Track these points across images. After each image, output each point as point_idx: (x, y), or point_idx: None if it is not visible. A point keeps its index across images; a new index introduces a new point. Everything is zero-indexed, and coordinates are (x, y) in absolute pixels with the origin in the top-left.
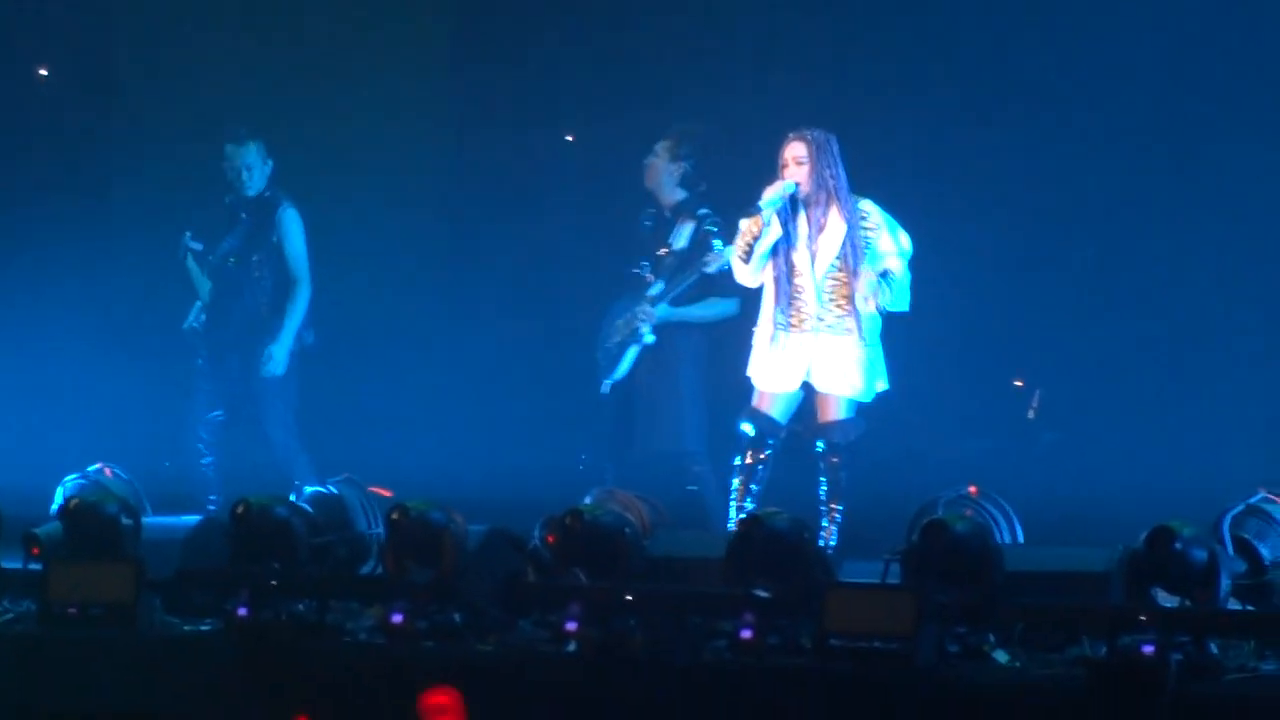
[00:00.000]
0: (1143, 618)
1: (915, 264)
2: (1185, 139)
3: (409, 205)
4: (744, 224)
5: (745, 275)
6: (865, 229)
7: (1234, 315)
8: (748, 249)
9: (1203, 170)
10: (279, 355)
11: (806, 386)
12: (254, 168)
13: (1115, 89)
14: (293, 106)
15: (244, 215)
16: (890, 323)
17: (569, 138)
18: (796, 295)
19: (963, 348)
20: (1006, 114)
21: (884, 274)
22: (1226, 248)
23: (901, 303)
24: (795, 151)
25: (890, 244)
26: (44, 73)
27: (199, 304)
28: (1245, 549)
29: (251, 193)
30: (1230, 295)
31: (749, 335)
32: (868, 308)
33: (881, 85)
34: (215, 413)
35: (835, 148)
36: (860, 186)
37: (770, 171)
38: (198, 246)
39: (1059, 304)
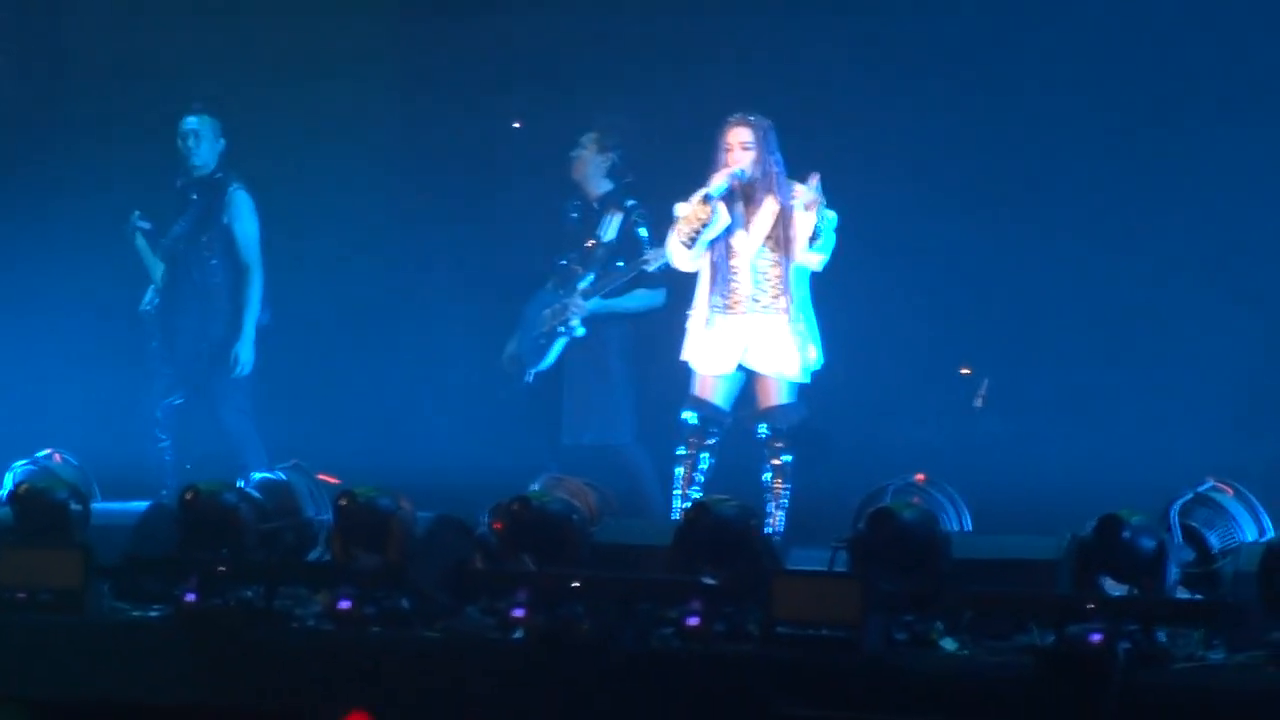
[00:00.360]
0: (1091, 606)
1: (861, 253)
2: (1135, 125)
3: (354, 192)
4: (687, 210)
5: (685, 261)
6: (796, 207)
7: (1183, 303)
8: (693, 236)
9: (1150, 156)
10: (245, 356)
11: (742, 369)
12: (203, 138)
13: (1062, 69)
14: (245, 90)
15: (195, 196)
16: (837, 310)
17: (516, 124)
18: (732, 277)
19: (910, 336)
20: (948, 96)
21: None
22: (1175, 234)
23: (827, 248)
24: (741, 136)
25: (806, 220)
26: None
27: (152, 287)
28: (1193, 538)
29: (202, 171)
30: (1180, 283)
31: (677, 322)
32: (806, 216)
33: (813, 70)
34: (171, 397)
35: (774, 134)
36: (796, 174)
37: (697, 159)
38: (146, 225)
39: (1006, 292)
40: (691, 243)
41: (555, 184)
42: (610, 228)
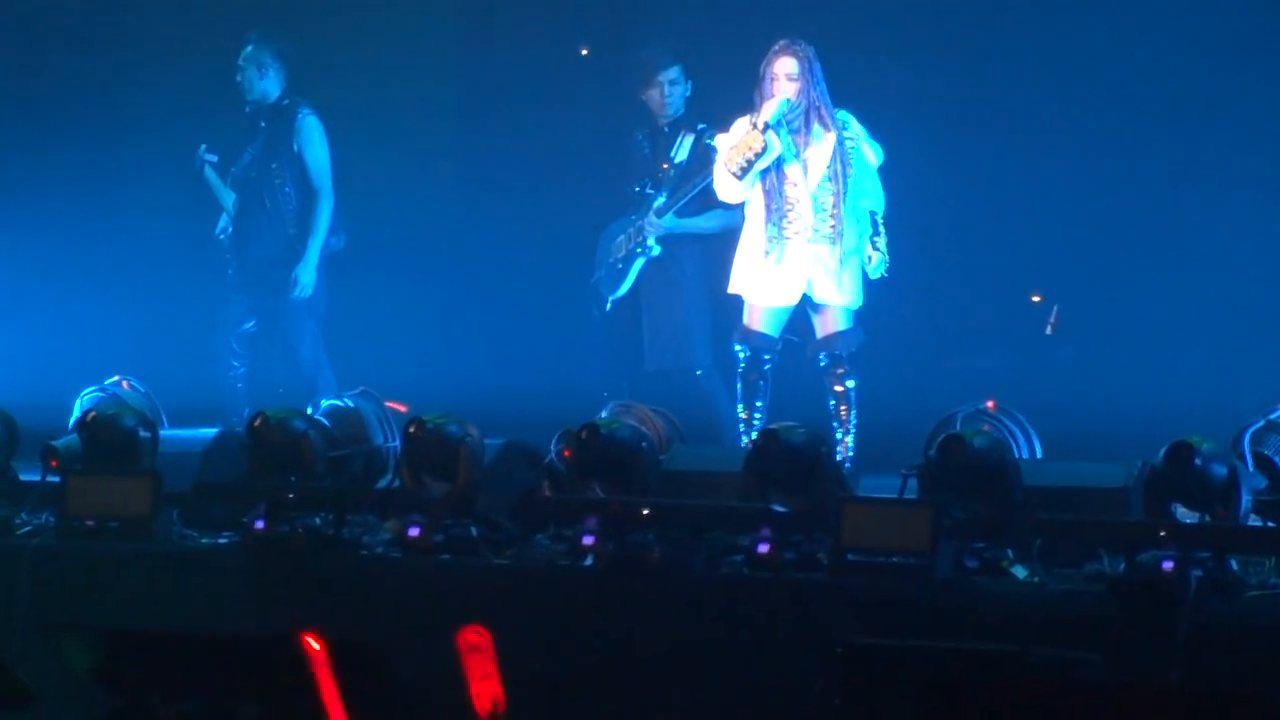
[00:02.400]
0: (1162, 534)
1: (927, 180)
2: (1201, 48)
3: (423, 118)
4: (736, 141)
5: (734, 193)
6: (847, 138)
7: (1254, 227)
8: (745, 166)
9: (1222, 80)
10: (305, 279)
11: (804, 299)
12: (266, 67)
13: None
14: (307, 17)
15: (263, 124)
16: (908, 238)
17: (584, 51)
18: (790, 208)
19: (978, 263)
20: (1006, 17)
21: (872, 229)
22: (1247, 155)
23: (880, 208)
24: (786, 67)
25: (871, 155)
26: None
27: (225, 215)
28: (1265, 465)
29: (268, 99)
30: (1250, 206)
31: None
32: (870, 265)
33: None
34: (246, 324)
35: (818, 62)
36: (840, 100)
37: (744, 86)
38: (213, 158)
39: (1076, 217)
40: (743, 173)
41: (624, 109)
42: (682, 149)
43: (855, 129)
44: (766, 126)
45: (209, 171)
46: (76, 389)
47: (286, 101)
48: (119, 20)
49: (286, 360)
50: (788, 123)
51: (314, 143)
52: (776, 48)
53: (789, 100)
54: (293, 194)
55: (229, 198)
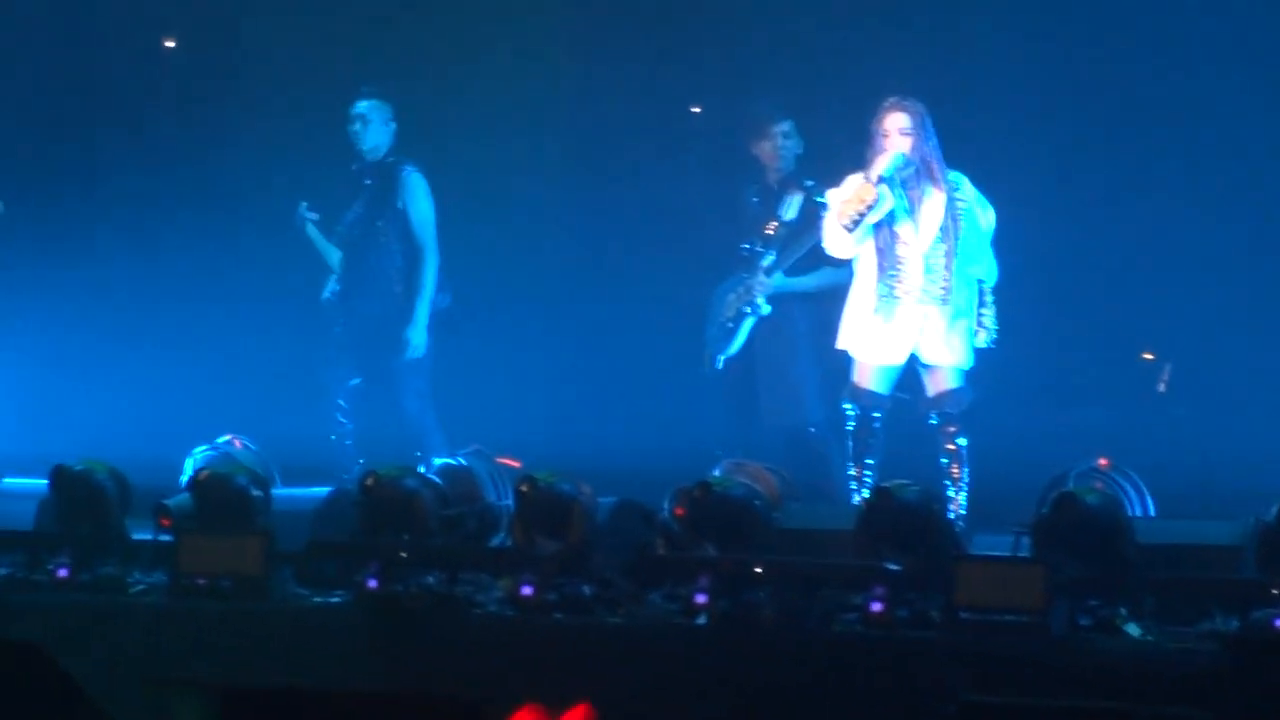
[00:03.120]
0: (1276, 591)
1: (1038, 237)
2: None
3: (532, 174)
4: (849, 194)
5: (845, 246)
6: (958, 199)
7: None
8: (857, 218)
9: None
10: (416, 340)
11: (913, 358)
12: (372, 122)
13: (1238, 49)
14: (417, 74)
15: (368, 180)
16: (1018, 293)
17: (695, 109)
18: (901, 267)
19: (1090, 319)
20: (1118, 76)
21: (979, 302)
22: None
23: (990, 277)
24: (899, 122)
25: (983, 218)
26: (170, 44)
27: (333, 275)
28: None
29: (374, 155)
30: None
31: None
32: (978, 339)
33: (971, 54)
34: (353, 382)
35: (930, 119)
36: (950, 159)
37: (860, 139)
38: (314, 216)
39: (1188, 273)
40: (854, 225)
41: (734, 168)
42: (791, 207)
43: (967, 190)
44: (880, 179)
45: (311, 229)
46: (188, 447)
47: (391, 158)
48: (220, 83)
49: (394, 418)
50: (901, 180)
51: (419, 199)
52: (888, 104)
53: (903, 155)
54: (398, 251)
55: (334, 255)
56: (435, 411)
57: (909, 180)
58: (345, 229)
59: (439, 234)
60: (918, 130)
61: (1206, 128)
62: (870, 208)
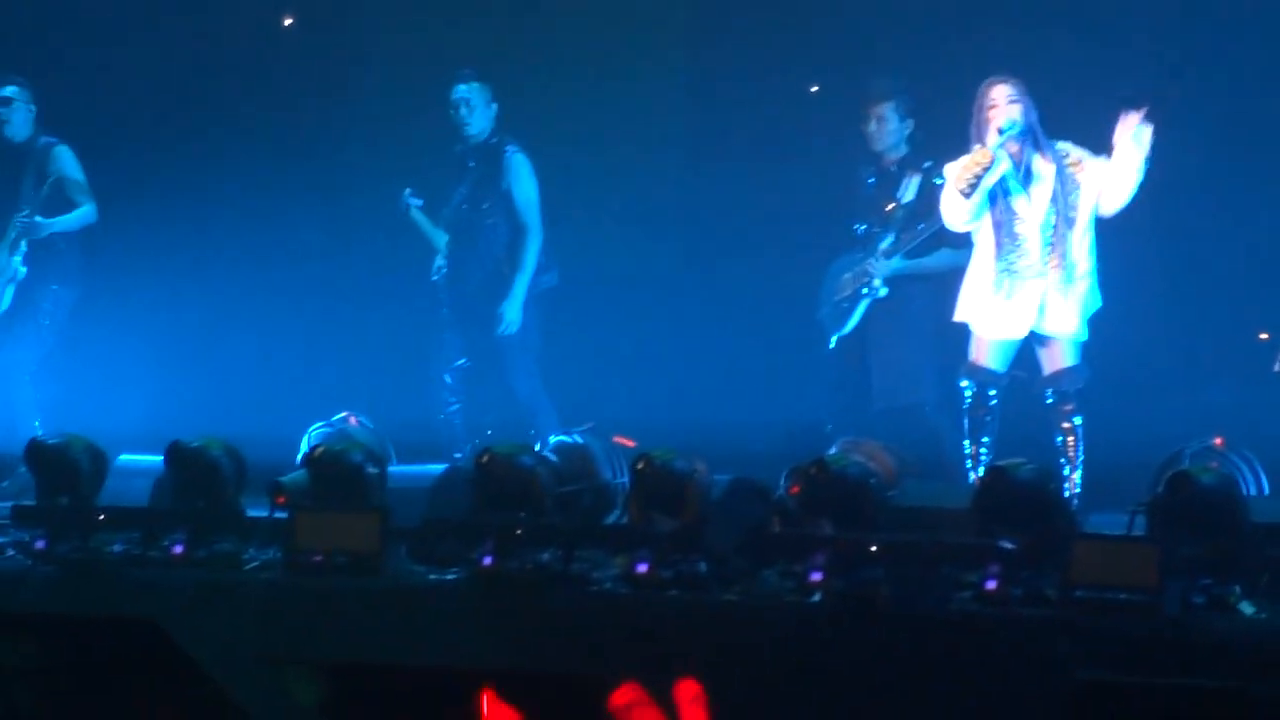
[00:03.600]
0: None
1: (1153, 213)
2: None
3: (647, 149)
4: (965, 160)
5: (962, 212)
6: (1069, 165)
7: None
8: (973, 182)
9: None
10: (510, 315)
11: (1031, 333)
12: (475, 107)
13: None
14: (524, 53)
15: (472, 163)
16: (1131, 271)
17: (814, 89)
18: (1019, 240)
19: (1206, 298)
20: (1249, 43)
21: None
22: None
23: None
24: (1004, 92)
25: (1098, 167)
26: (289, 21)
27: (440, 255)
28: None
29: (477, 137)
30: None
31: None
32: (1142, 144)
33: (1076, 30)
34: (460, 360)
35: (1030, 96)
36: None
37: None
38: (419, 201)
39: None
40: (971, 189)
41: (849, 148)
42: (909, 189)
43: (1076, 153)
44: (1000, 132)
45: (416, 213)
46: (304, 425)
47: (495, 140)
48: (329, 66)
49: (501, 396)
50: (1010, 155)
51: (522, 179)
52: (989, 80)
53: (1013, 120)
54: (504, 231)
55: (441, 238)
56: (545, 390)
57: (1019, 153)
58: (451, 211)
59: (545, 213)
60: (1023, 98)
61: None
62: (986, 170)
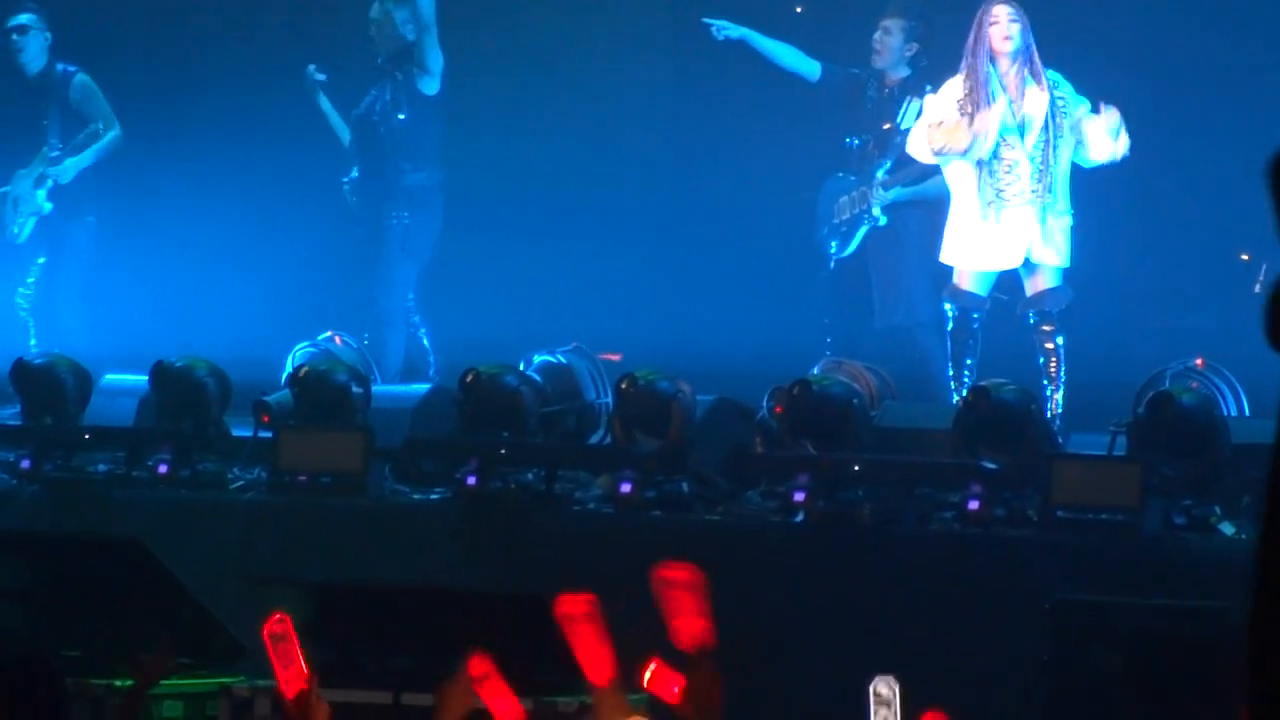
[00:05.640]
0: None
1: (1134, 136)
2: None
3: (633, 59)
4: (947, 125)
5: (926, 156)
6: (1058, 97)
7: None
8: (941, 152)
9: None
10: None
11: (1019, 260)
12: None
13: None
14: None
15: (387, 69)
16: (1115, 195)
17: (799, 9)
18: (1011, 167)
19: (1187, 219)
20: None
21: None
22: None
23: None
24: (1006, 11)
25: (1084, 111)
26: None
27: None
28: None
29: (396, 46)
30: None
31: None
32: (1116, 147)
33: None
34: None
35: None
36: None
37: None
38: (322, 78)
39: None
40: (938, 156)
41: (856, 59)
42: (908, 114)
43: (1065, 89)
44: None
45: (323, 98)
46: (289, 345)
47: (413, 44)
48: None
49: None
50: (1004, 80)
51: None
52: (988, 2)
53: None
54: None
55: (344, 133)
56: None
57: (1015, 75)
58: (363, 111)
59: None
60: (1022, 19)
61: None
62: (961, 154)
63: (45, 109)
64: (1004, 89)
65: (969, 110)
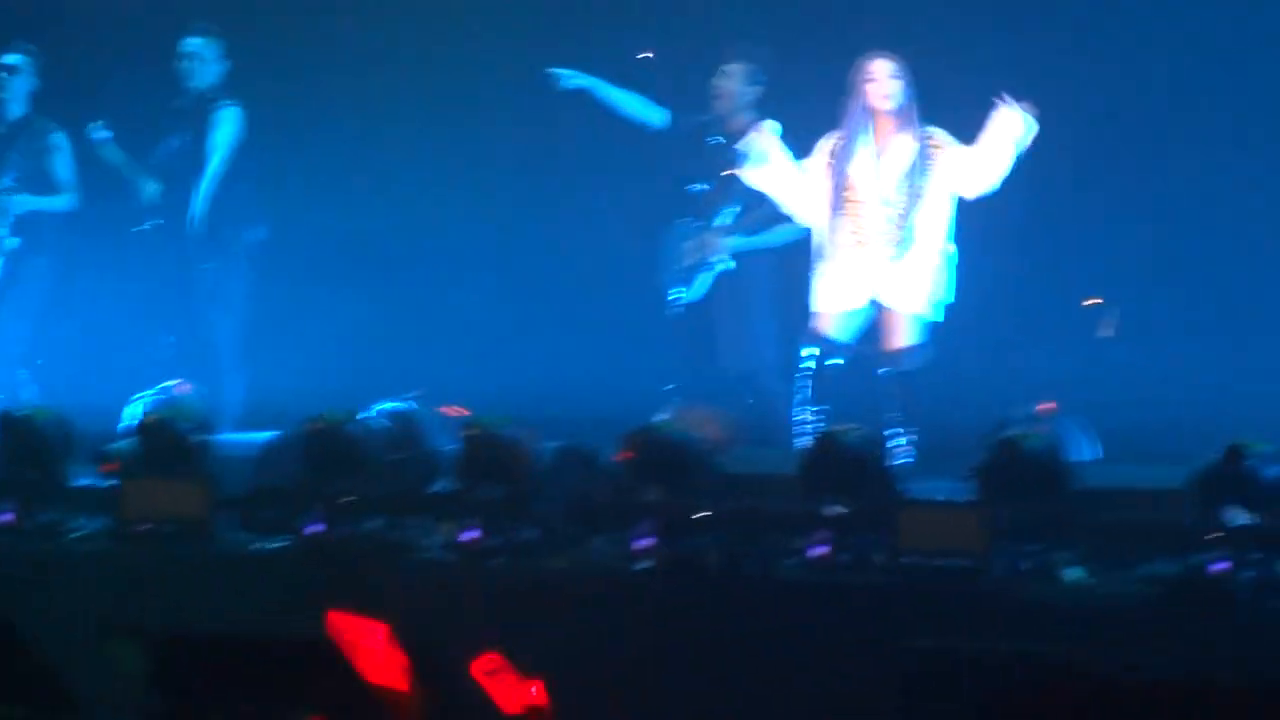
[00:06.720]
0: (1215, 535)
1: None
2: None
3: (468, 110)
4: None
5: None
6: (932, 147)
7: None
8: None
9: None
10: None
11: (874, 304)
12: (205, 60)
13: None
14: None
15: (188, 117)
16: (962, 239)
17: (648, 55)
18: (858, 209)
19: (1036, 264)
20: (1077, 20)
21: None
22: None
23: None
24: (887, 67)
25: (960, 153)
26: None
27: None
28: None
29: (198, 93)
30: None
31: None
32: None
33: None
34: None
35: (910, 72)
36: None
37: (833, 93)
38: (107, 135)
39: (1134, 217)
40: (801, 204)
41: (698, 106)
42: (753, 159)
43: (941, 137)
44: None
45: (114, 149)
46: (134, 391)
47: (214, 97)
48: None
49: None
50: (874, 126)
51: (227, 129)
52: (870, 53)
53: (890, 95)
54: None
55: (149, 186)
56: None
57: (881, 127)
58: (164, 159)
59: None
60: (903, 75)
61: (1150, 69)
62: (823, 201)
63: (12, 145)
64: (874, 140)
65: (832, 161)
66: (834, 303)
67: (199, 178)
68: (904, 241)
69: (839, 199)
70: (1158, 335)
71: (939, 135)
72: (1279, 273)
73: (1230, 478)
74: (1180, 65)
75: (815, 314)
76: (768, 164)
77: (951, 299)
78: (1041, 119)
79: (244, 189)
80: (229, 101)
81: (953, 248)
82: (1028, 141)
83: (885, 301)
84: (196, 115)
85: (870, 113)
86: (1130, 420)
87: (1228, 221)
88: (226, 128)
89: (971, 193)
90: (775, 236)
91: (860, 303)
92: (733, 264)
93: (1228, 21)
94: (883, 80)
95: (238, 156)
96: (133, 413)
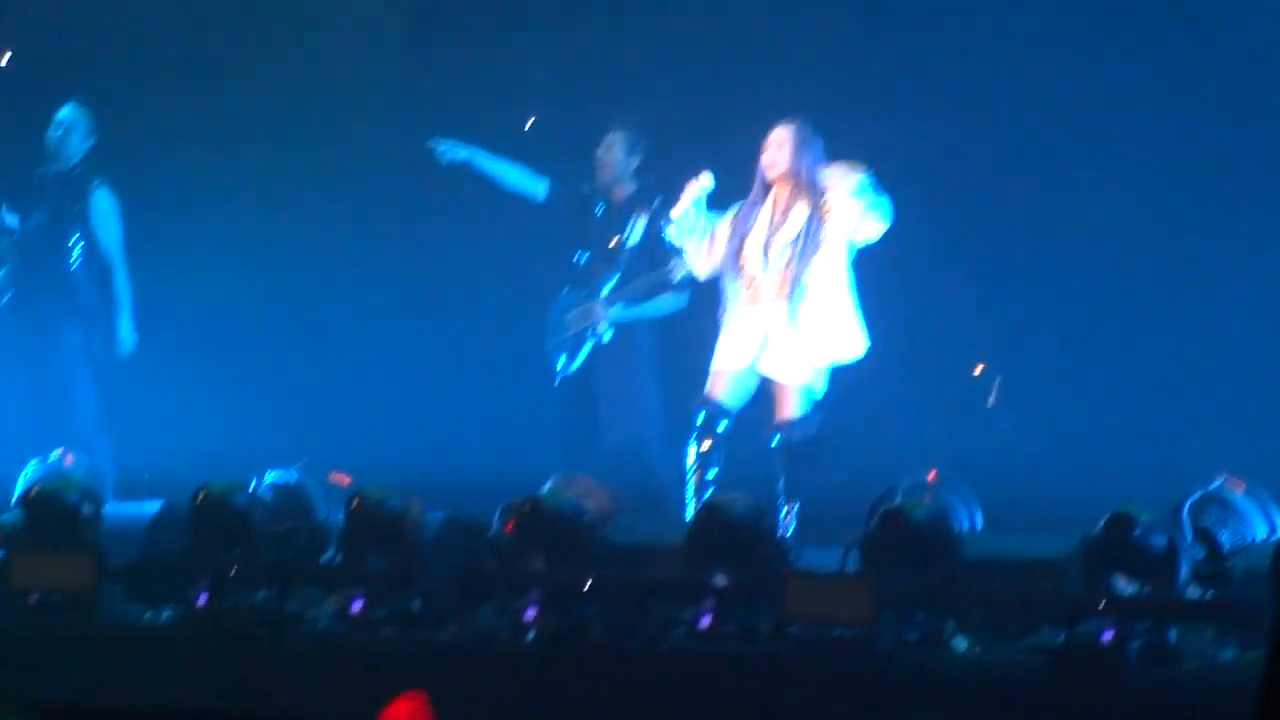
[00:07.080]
0: (1101, 605)
1: (871, 251)
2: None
3: (355, 181)
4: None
5: (694, 237)
6: (824, 211)
7: (1192, 301)
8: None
9: (1168, 156)
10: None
11: (762, 377)
12: (74, 130)
13: (1102, 83)
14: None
15: (52, 190)
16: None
17: (531, 119)
18: (749, 272)
19: (920, 335)
20: (980, 99)
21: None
22: (1190, 232)
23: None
24: (776, 137)
25: (850, 207)
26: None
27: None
28: (1205, 536)
29: (64, 165)
30: (1191, 281)
31: (703, 323)
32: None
33: (850, 75)
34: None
35: (819, 145)
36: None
37: (723, 161)
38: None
39: (1018, 289)
40: (703, 268)
41: (583, 175)
42: (635, 230)
43: (835, 194)
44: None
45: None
46: (21, 463)
47: (79, 170)
48: None
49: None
50: (769, 191)
51: (105, 219)
52: (782, 121)
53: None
54: (86, 264)
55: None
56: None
57: (777, 192)
58: (24, 235)
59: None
60: (794, 140)
61: (1039, 140)
62: (719, 267)
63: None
64: (770, 206)
65: (734, 225)
66: (728, 361)
67: (64, 254)
68: (792, 311)
69: (734, 263)
70: (1042, 404)
71: (834, 195)
72: (1161, 343)
73: (1115, 546)
74: (1048, 157)
75: (712, 371)
76: (686, 220)
77: (853, 360)
78: (921, 180)
79: (112, 256)
80: (97, 176)
81: (850, 310)
82: (868, 195)
83: (767, 370)
84: (63, 187)
85: (765, 180)
86: (1014, 490)
87: (1113, 287)
88: (97, 203)
89: (860, 239)
90: (657, 306)
91: (740, 363)
92: (609, 335)
93: (1099, 86)
94: (770, 149)
95: (105, 226)
96: (21, 483)
